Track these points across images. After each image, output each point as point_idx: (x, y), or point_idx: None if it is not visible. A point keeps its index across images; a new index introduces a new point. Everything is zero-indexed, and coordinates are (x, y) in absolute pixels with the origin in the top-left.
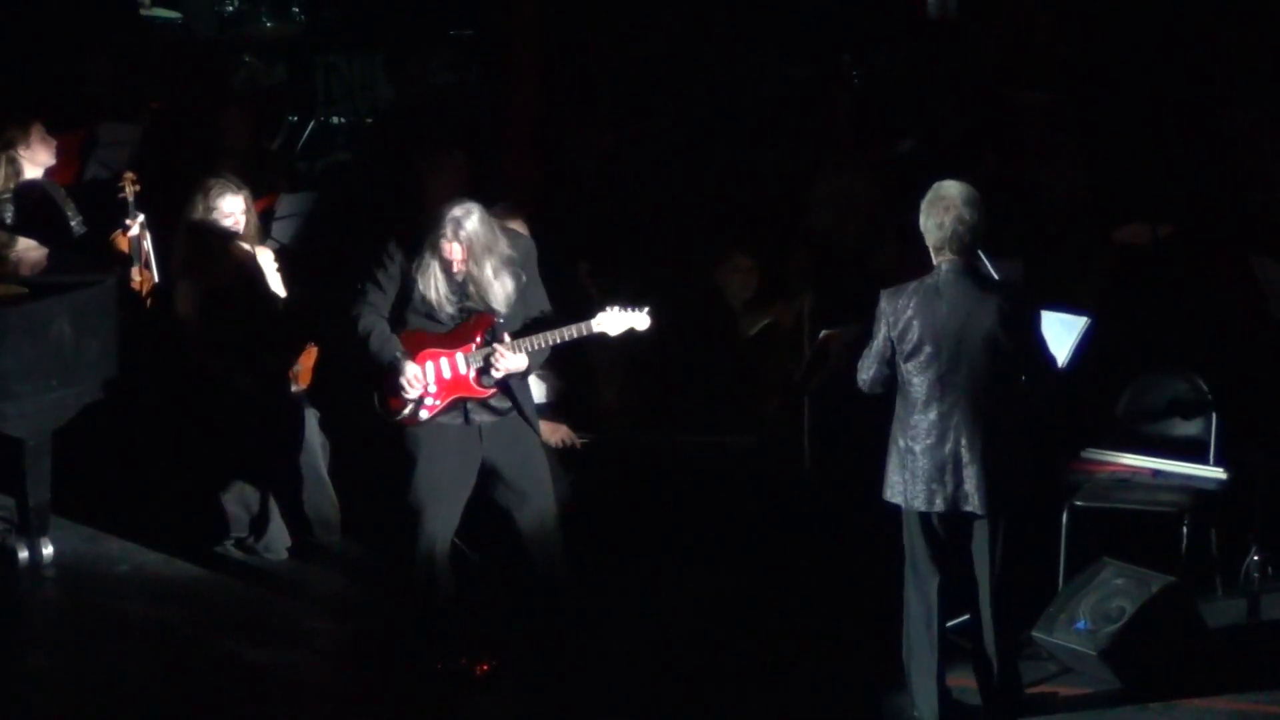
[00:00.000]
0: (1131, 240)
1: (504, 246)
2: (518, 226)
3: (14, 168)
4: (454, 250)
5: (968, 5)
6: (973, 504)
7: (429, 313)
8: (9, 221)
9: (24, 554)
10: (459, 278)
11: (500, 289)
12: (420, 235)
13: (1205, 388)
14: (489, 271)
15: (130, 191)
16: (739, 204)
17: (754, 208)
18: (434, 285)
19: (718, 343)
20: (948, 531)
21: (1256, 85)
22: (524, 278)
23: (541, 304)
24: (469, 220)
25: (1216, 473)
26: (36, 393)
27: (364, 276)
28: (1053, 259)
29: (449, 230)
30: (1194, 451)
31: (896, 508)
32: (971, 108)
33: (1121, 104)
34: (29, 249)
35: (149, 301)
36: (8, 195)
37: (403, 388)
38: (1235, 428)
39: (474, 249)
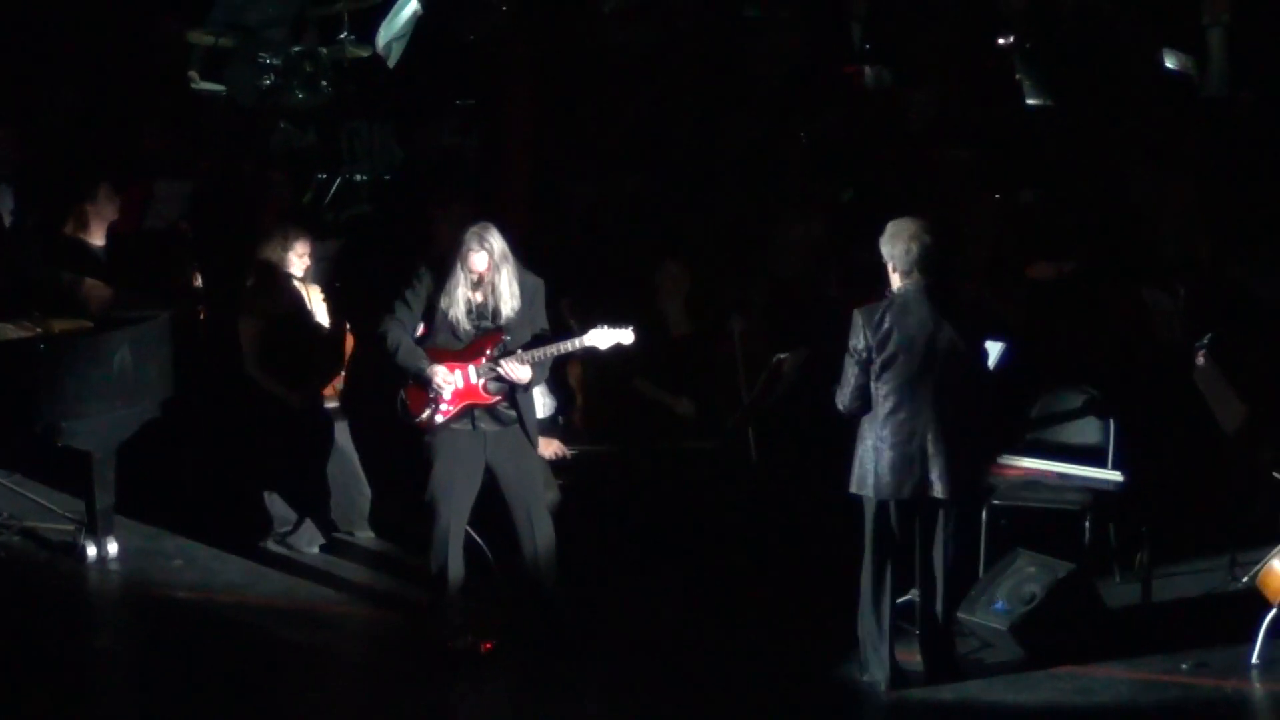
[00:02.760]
0: (1040, 275)
1: (515, 264)
2: None
3: (82, 220)
4: (478, 260)
5: (900, 76)
6: (937, 490)
7: (451, 330)
8: None
9: (92, 551)
10: (480, 294)
11: (511, 296)
12: (445, 263)
13: (1104, 401)
14: (505, 278)
15: None
16: (701, 244)
17: (715, 247)
18: (459, 302)
19: (652, 344)
20: (906, 520)
21: (1149, 143)
22: (532, 305)
23: (541, 329)
24: (489, 232)
25: (1114, 475)
26: (102, 412)
27: (395, 297)
28: (974, 293)
29: (474, 242)
30: (1094, 457)
31: (845, 501)
32: (903, 163)
33: (1032, 160)
34: (95, 288)
35: (201, 332)
36: None
37: (439, 388)
38: (1130, 436)
39: (495, 257)
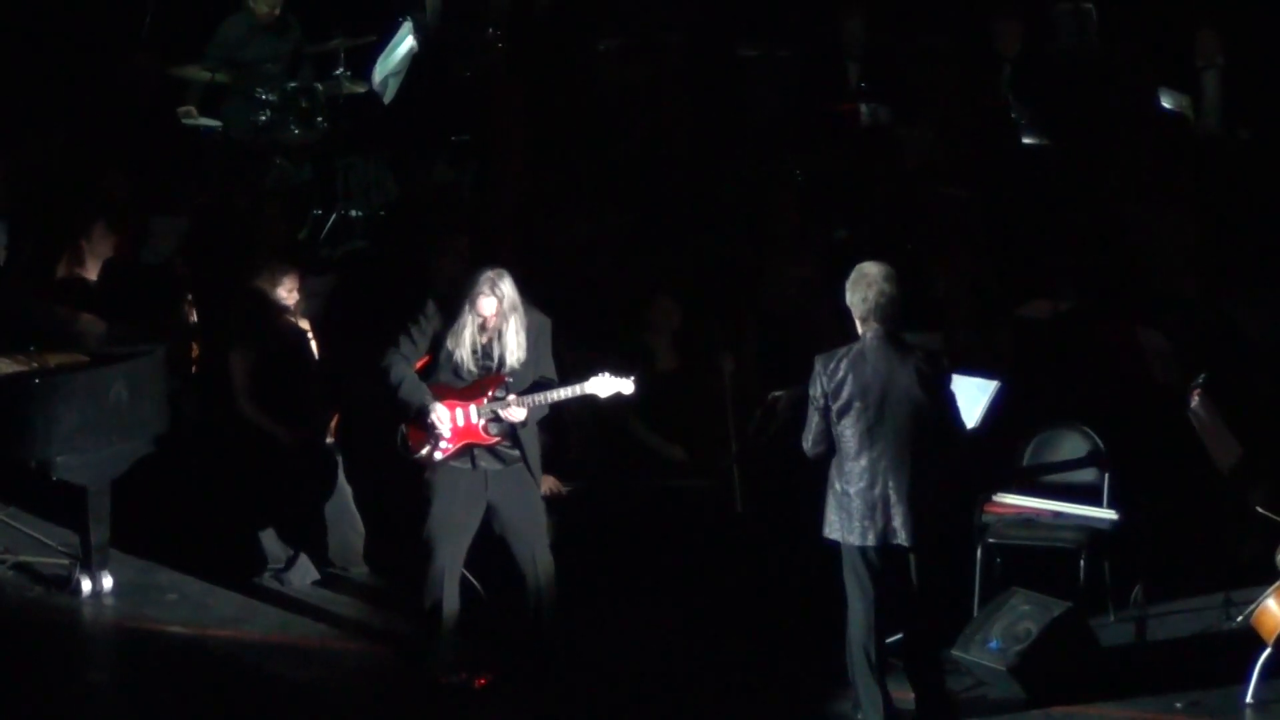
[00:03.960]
0: (1036, 314)
1: (524, 313)
2: None
3: (77, 255)
4: (486, 305)
5: (896, 114)
6: (900, 538)
7: (454, 369)
8: None
9: (87, 585)
10: (487, 337)
11: (517, 346)
12: (451, 301)
13: (1099, 441)
14: (513, 327)
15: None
16: (693, 282)
17: (707, 285)
18: (465, 344)
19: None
20: (881, 562)
21: (1144, 182)
22: (537, 345)
23: (548, 372)
24: (503, 280)
25: (1109, 514)
26: (98, 447)
27: (399, 331)
28: (963, 332)
29: (486, 287)
30: (1089, 496)
31: (831, 543)
32: (898, 202)
33: (1028, 199)
34: (90, 322)
35: (195, 367)
36: None
37: (432, 425)
38: (1125, 475)
39: (504, 305)
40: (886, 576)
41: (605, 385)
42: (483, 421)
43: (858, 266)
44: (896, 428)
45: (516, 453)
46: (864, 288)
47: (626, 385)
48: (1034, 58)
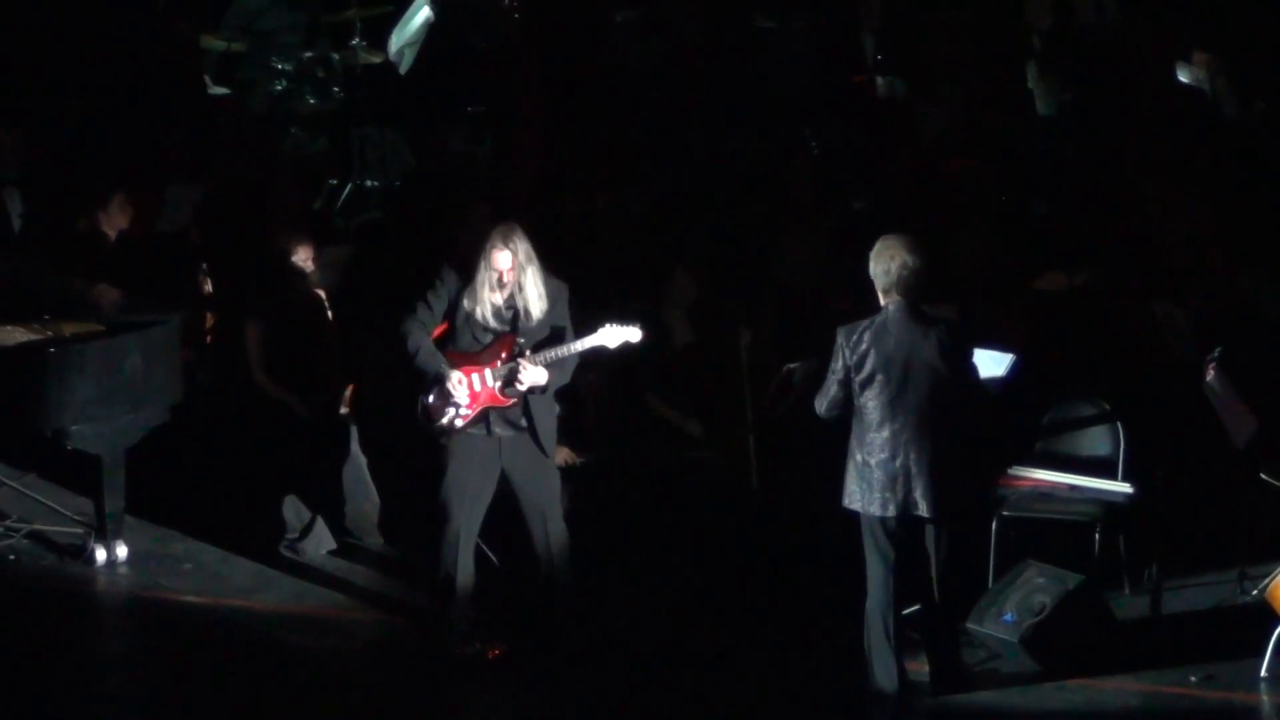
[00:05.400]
0: (1051, 287)
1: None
2: None
3: (93, 224)
4: (502, 259)
5: (912, 87)
6: (922, 509)
7: (473, 331)
8: None
9: (101, 554)
10: (507, 291)
11: (539, 298)
12: (469, 265)
13: (1115, 414)
14: (531, 278)
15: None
16: (710, 254)
17: (724, 257)
18: (484, 301)
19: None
20: (901, 533)
21: (1161, 156)
22: (555, 308)
23: (565, 333)
24: (515, 232)
25: (1124, 487)
26: (112, 417)
27: (415, 298)
28: (979, 304)
29: (500, 241)
30: (1105, 469)
31: (850, 514)
32: (914, 174)
33: (1044, 172)
34: (105, 291)
35: (210, 336)
36: None
37: (449, 393)
38: (1140, 448)
39: (520, 258)
40: (906, 547)
41: (613, 335)
42: (498, 384)
43: (881, 238)
44: (919, 399)
45: (525, 421)
46: (886, 259)
47: (634, 333)
48: (1054, 30)
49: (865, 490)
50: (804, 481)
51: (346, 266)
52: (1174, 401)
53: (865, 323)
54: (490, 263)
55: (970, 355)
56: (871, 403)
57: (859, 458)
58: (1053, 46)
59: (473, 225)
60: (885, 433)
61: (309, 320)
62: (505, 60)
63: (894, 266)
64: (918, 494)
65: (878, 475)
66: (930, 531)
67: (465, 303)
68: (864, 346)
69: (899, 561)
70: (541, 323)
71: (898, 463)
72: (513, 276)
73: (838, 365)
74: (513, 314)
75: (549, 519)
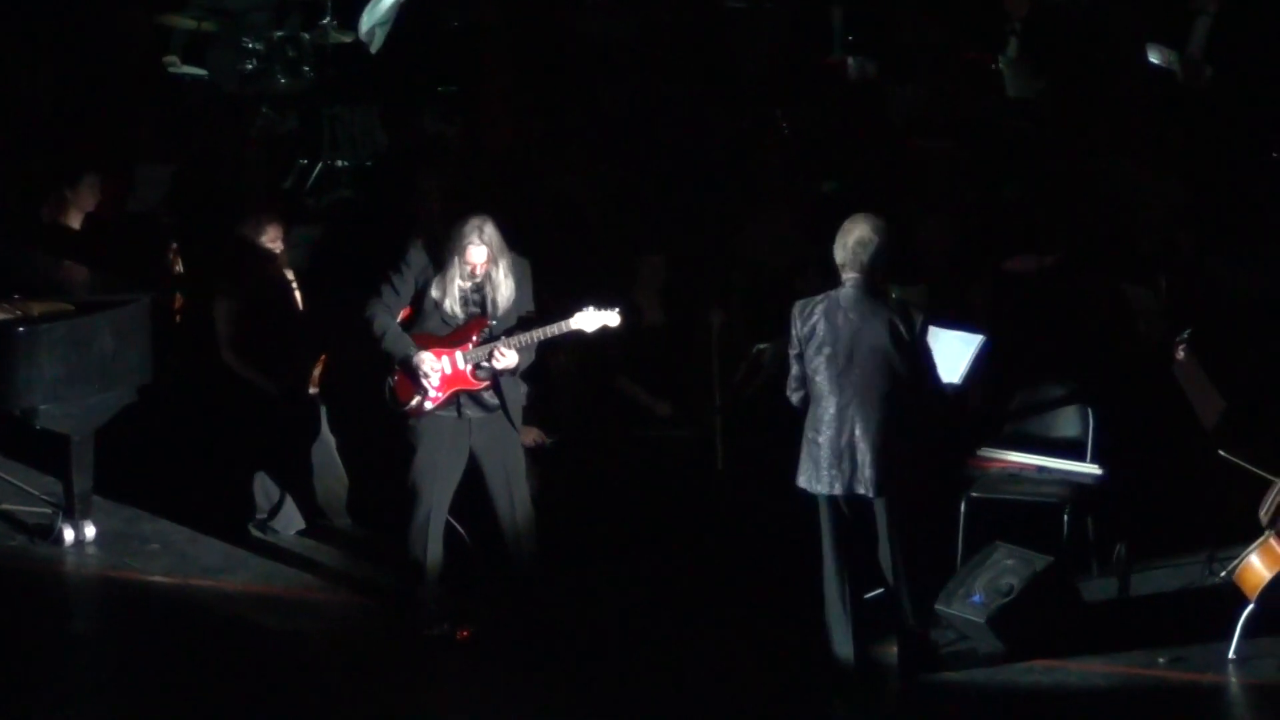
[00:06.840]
0: (1021, 269)
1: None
2: None
3: (60, 204)
4: (477, 254)
5: (882, 68)
6: (864, 487)
7: (442, 316)
8: None
9: (69, 534)
10: (475, 282)
11: (507, 289)
12: (436, 249)
13: (1084, 395)
14: (502, 270)
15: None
16: (680, 235)
17: (694, 238)
18: (453, 293)
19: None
20: (853, 512)
21: (1130, 137)
22: (519, 287)
23: (528, 310)
24: (488, 226)
25: (1093, 469)
26: (82, 396)
27: (380, 280)
28: (945, 284)
29: (475, 236)
30: (1074, 450)
31: (807, 494)
32: (885, 155)
33: (1013, 153)
34: (73, 270)
35: (179, 316)
36: None
37: (425, 375)
38: (1109, 430)
39: (494, 250)
40: (858, 526)
41: (591, 319)
42: (469, 366)
43: (849, 218)
44: (865, 377)
45: (497, 401)
46: (845, 236)
47: (612, 318)
48: (1041, 17)
49: (813, 469)
50: (771, 462)
51: (316, 246)
52: (1143, 383)
53: (820, 298)
54: (465, 258)
55: (923, 341)
56: (819, 377)
57: (809, 434)
58: (1030, 30)
59: (426, 199)
60: (831, 408)
61: (278, 300)
62: (477, 40)
63: (850, 242)
64: (863, 472)
65: (825, 453)
66: (881, 513)
67: (434, 290)
68: (814, 319)
69: (849, 538)
70: (510, 310)
71: (843, 440)
72: (485, 269)
73: (792, 337)
74: (480, 298)
75: (515, 497)
